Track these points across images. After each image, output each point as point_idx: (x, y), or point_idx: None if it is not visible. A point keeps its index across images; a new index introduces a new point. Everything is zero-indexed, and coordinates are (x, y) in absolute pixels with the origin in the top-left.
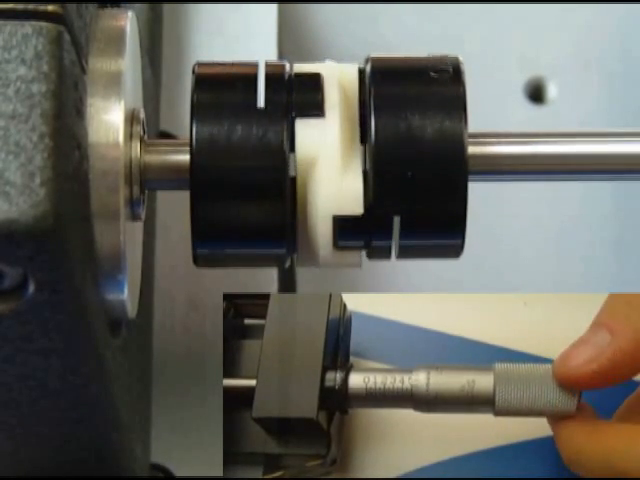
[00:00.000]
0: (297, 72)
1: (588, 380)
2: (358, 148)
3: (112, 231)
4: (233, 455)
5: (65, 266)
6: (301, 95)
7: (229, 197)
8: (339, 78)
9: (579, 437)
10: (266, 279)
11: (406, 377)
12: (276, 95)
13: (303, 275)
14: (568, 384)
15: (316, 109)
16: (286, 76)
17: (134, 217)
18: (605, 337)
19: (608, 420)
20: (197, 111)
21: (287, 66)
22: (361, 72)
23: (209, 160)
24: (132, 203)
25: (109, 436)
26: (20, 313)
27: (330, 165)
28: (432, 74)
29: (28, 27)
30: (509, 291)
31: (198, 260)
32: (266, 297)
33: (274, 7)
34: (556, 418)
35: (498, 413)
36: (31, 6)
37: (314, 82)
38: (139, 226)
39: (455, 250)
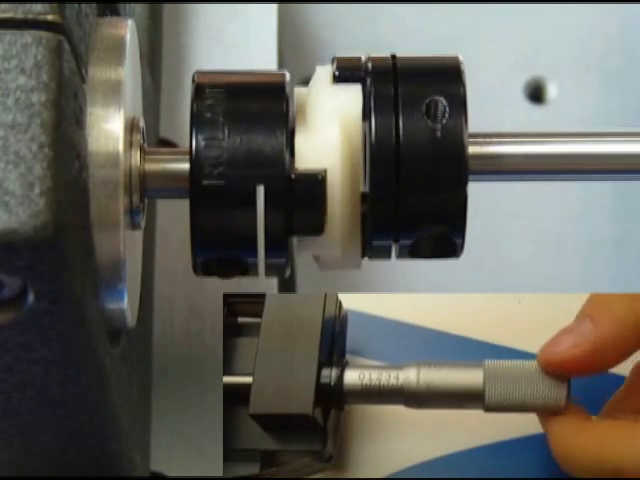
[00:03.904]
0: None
1: (570, 365)
2: (359, 228)
3: (112, 240)
4: (230, 452)
5: (64, 276)
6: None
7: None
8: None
9: (570, 434)
10: (266, 285)
11: (401, 374)
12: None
13: (303, 279)
14: (551, 369)
15: (316, 228)
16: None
17: (134, 226)
18: (588, 326)
19: (597, 417)
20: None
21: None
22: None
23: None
24: (132, 212)
25: (109, 445)
26: (20, 323)
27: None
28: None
29: (28, 36)
30: (509, 291)
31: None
32: (259, 296)
33: (274, 12)
34: (547, 416)
35: (488, 409)
36: (31, 15)
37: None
38: (139, 235)
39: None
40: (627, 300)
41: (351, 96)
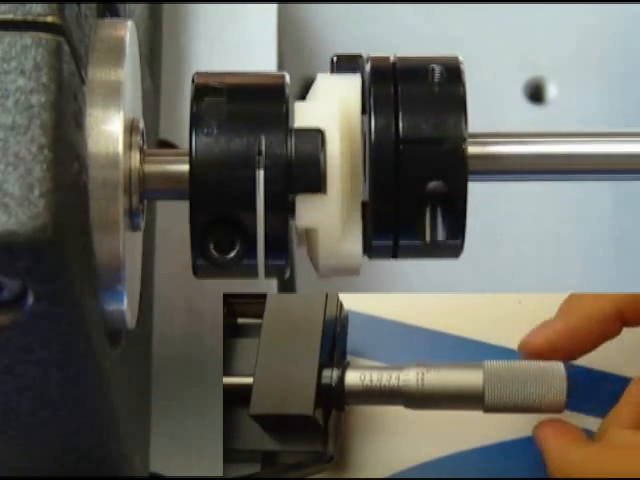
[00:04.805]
0: (298, 128)
1: (541, 347)
2: (359, 211)
3: (111, 242)
4: (230, 453)
5: (64, 277)
6: (302, 168)
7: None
8: (340, 129)
9: (577, 461)
10: (266, 286)
11: (401, 375)
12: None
13: (303, 280)
14: (526, 351)
15: (317, 185)
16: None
17: (133, 227)
18: (558, 319)
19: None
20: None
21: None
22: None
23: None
24: (131, 213)
25: (108, 446)
26: (19, 324)
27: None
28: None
29: (27, 38)
30: (509, 291)
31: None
32: (259, 296)
33: (274, 13)
34: (544, 437)
35: (487, 410)
36: (30, 17)
37: (315, 152)
38: (138, 236)
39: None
40: (594, 297)
41: (350, 82)
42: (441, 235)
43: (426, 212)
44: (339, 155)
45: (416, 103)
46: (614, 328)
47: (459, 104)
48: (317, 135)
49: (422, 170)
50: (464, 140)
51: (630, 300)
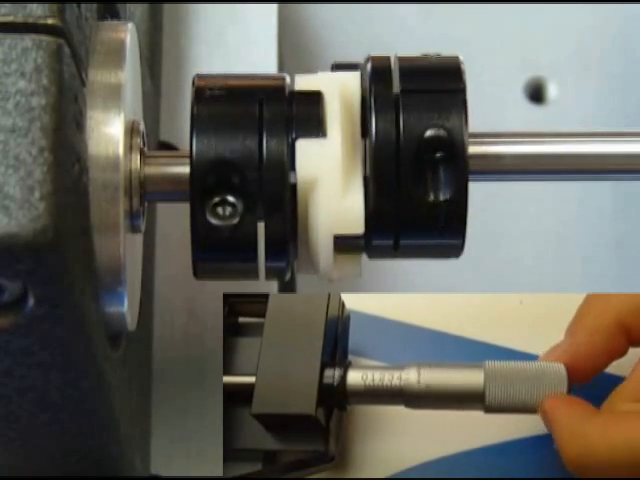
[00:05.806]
0: (297, 90)
1: None
2: (359, 164)
3: (112, 244)
4: (232, 452)
5: (65, 280)
6: (302, 114)
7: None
8: (340, 92)
9: (592, 431)
10: (266, 286)
11: (403, 374)
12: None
13: (303, 280)
14: None
15: (317, 129)
16: (286, 91)
17: (134, 229)
18: (567, 340)
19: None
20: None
21: (287, 79)
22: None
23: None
24: (132, 215)
25: (109, 448)
26: (20, 327)
27: (331, 186)
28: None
29: (28, 40)
30: (509, 291)
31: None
32: (261, 296)
33: (274, 14)
34: (551, 411)
35: (488, 410)
36: (31, 19)
37: (314, 101)
38: (139, 238)
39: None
40: (597, 313)
41: (351, 73)
42: (443, 194)
43: (427, 170)
44: (338, 98)
45: (414, 65)
46: (619, 345)
47: (456, 65)
48: (317, 92)
49: (421, 114)
50: (463, 91)
51: (633, 314)
